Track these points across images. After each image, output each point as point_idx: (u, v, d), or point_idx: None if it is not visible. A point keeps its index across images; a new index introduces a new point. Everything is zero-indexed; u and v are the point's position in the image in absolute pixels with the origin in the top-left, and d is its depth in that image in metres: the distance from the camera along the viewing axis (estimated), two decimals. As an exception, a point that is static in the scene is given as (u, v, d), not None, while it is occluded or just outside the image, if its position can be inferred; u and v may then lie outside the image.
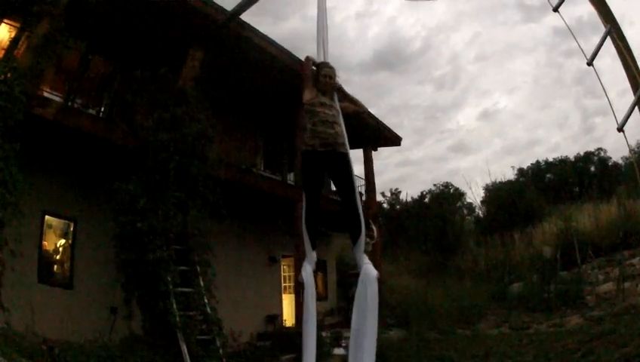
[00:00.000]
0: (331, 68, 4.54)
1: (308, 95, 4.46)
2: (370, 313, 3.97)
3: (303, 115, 11.58)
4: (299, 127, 12.49)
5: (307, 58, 4.77)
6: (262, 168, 14.19)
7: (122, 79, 9.65)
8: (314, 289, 4.25)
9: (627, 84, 5.29)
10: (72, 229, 9.40)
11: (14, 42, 7.37)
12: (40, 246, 8.79)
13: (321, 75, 4.49)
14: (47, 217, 9.02)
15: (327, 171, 4.45)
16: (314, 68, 4.66)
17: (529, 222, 21.73)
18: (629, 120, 4.50)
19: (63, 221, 9.43)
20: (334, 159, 4.27)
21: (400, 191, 31.70)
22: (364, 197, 17.04)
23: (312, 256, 4.26)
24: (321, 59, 4.63)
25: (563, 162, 32.72)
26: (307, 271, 4.21)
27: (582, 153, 32.53)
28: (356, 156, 19.98)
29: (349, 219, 4.26)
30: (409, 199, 31.06)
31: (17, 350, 5.68)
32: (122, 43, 9.97)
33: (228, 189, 9.21)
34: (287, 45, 11.54)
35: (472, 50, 71.45)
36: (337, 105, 4.49)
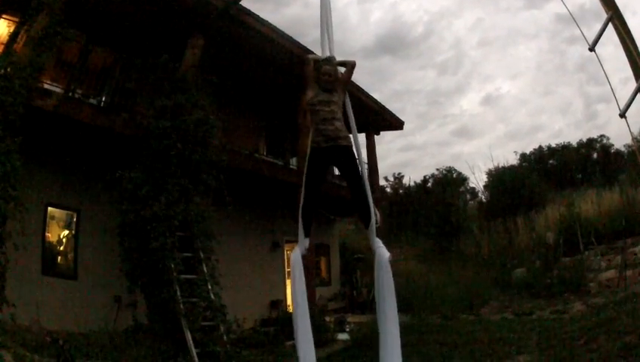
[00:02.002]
0: (332, 66, 4.63)
1: (309, 95, 4.63)
2: (387, 296, 4.14)
3: (303, 115, 11.64)
4: (299, 126, 12.53)
5: (308, 58, 4.83)
6: (264, 153, 14.17)
7: (123, 68, 9.60)
8: (302, 271, 4.39)
9: (630, 72, 5.23)
10: (75, 220, 9.42)
11: (13, 36, 7.32)
12: (43, 238, 8.81)
13: (321, 74, 4.59)
14: (50, 209, 9.03)
15: (334, 164, 4.76)
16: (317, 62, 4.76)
17: (532, 207, 21.72)
18: (631, 107, 4.47)
19: (65, 212, 9.45)
20: (337, 152, 4.44)
21: (403, 176, 31.88)
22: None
23: (304, 243, 4.45)
24: (326, 53, 4.72)
25: (566, 148, 32.71)
26: (296, 253, 4.39)
27: (584, 140, 32.52)
28: (359, 140, 20.00)
29: (359, 206, 4.43)
30: (412, 183, 31.13)
31: (22, 344, 5.72)
32: (122, 32, 9.89)
33: (231, 175, 9.20)
34: (288, 31, 11.47)
35: (475, 36, 71.24)
36: (337, 97, 4.58)
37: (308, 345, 4.20)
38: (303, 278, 4.39)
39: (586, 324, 8.53)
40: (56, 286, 8.62)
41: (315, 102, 4.52)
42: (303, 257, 4.46)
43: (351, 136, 4.62)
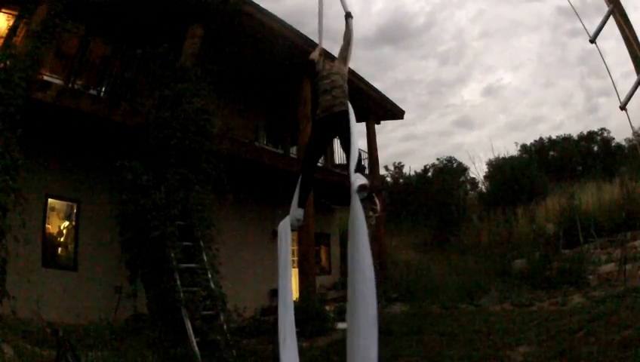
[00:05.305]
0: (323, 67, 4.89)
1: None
2: (360, 238, 3.44)
3: (303, 104, 11.70)
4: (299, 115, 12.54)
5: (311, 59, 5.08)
6: (264, 142, 14.14)
7: (122, 58, 9.54)
8: (288, 242, 4.32)
9: (631, 67, 5.19)
10: (75, 211, 9.42)
11: (13, 30, 7.30)
12: (44, 229, 8.83)
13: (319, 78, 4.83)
14: (50, 200, 9.04)
15: (334, 134, 4.66)
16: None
17: (532, 198, 21.67)
18: (632, 101, 4.45)
19: (66, 203, 9.46)
20: (333, 119, 4.48)
21: (403, 165, 31.80)
22: (367, 171, 17.03)
23: (296, 212, 4.45)
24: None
25: (566, 140, 32.55)
26: (285, 221, 4.38)
27: (585, 132, 32.37)
28: (359, 130, 19.96)
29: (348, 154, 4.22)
30: (412, 173, 31.09)
31: (23, 337, 5.73)
32: (121, 22, 9.83)
33: (230, 164, 9.19)
34: (289, 20, 11.42)
35: (477, 27, 70.66)
36: (336, 67, 4.78)
37: (289, 323, 4.10)
38: (289, 248, 4.35)
39: (585, 317, 8.53)
40: (57, 278, 8.64)
41: (317, 80, 4.74)
42: (294, 229, 4.42)
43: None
